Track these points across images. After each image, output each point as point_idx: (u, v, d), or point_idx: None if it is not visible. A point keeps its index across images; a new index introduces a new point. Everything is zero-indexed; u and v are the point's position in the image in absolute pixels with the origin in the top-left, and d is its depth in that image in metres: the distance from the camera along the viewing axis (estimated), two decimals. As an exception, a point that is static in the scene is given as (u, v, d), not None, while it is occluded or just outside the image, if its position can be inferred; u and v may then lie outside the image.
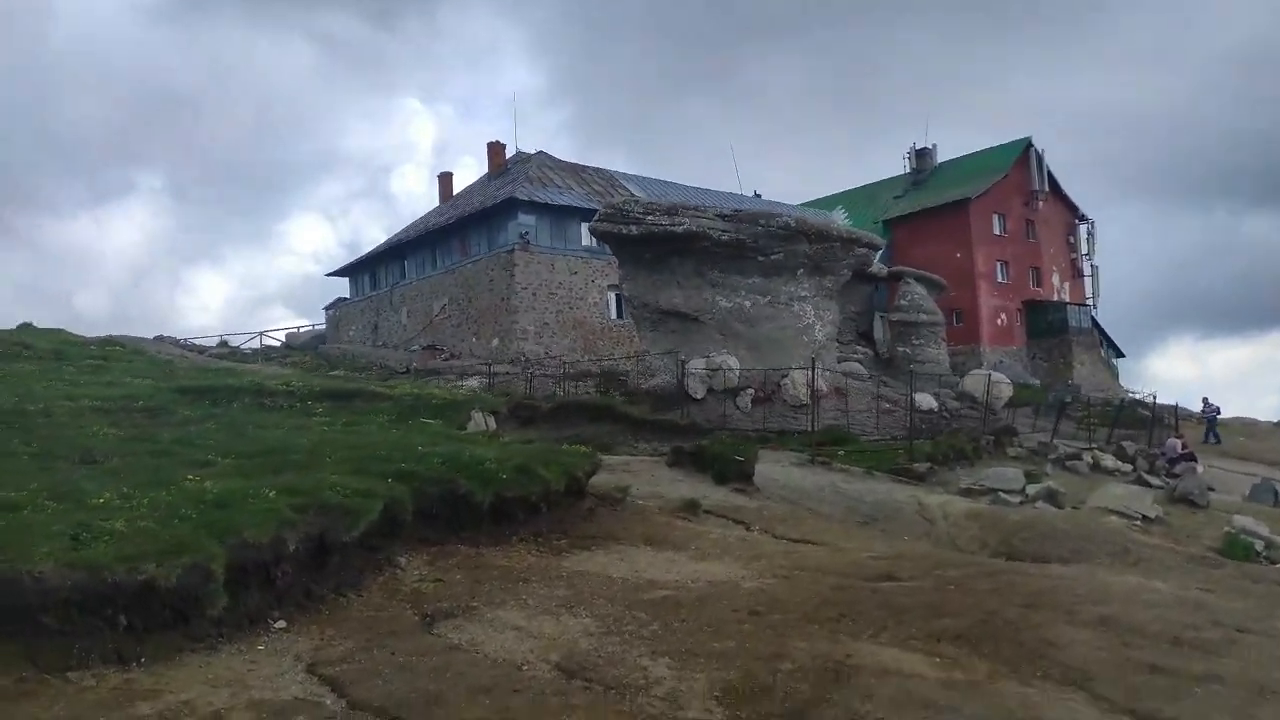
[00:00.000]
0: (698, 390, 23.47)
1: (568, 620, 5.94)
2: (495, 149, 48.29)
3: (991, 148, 59.04)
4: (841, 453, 21.00)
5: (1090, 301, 59.78)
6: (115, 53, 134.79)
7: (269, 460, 8.13)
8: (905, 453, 19.29)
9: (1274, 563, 14.14)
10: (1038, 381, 52.10)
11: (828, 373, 24.50)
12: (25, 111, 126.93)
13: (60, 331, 39.04)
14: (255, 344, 54.72)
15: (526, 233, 39.52)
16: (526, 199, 39.55)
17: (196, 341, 54.90)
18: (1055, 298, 57.69)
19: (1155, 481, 20.85)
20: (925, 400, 25.43)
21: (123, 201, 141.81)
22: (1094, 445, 24.36)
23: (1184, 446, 25.89)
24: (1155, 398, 53.94)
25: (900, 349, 29.15)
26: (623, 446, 19.17)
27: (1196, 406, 35.60)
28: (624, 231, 23.45)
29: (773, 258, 23.62)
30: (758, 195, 61.25)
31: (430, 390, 14.53)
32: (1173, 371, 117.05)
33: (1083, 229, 60.75)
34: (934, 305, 30.25)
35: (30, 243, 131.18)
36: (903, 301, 29.65)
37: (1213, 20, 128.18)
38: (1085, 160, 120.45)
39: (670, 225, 22.94)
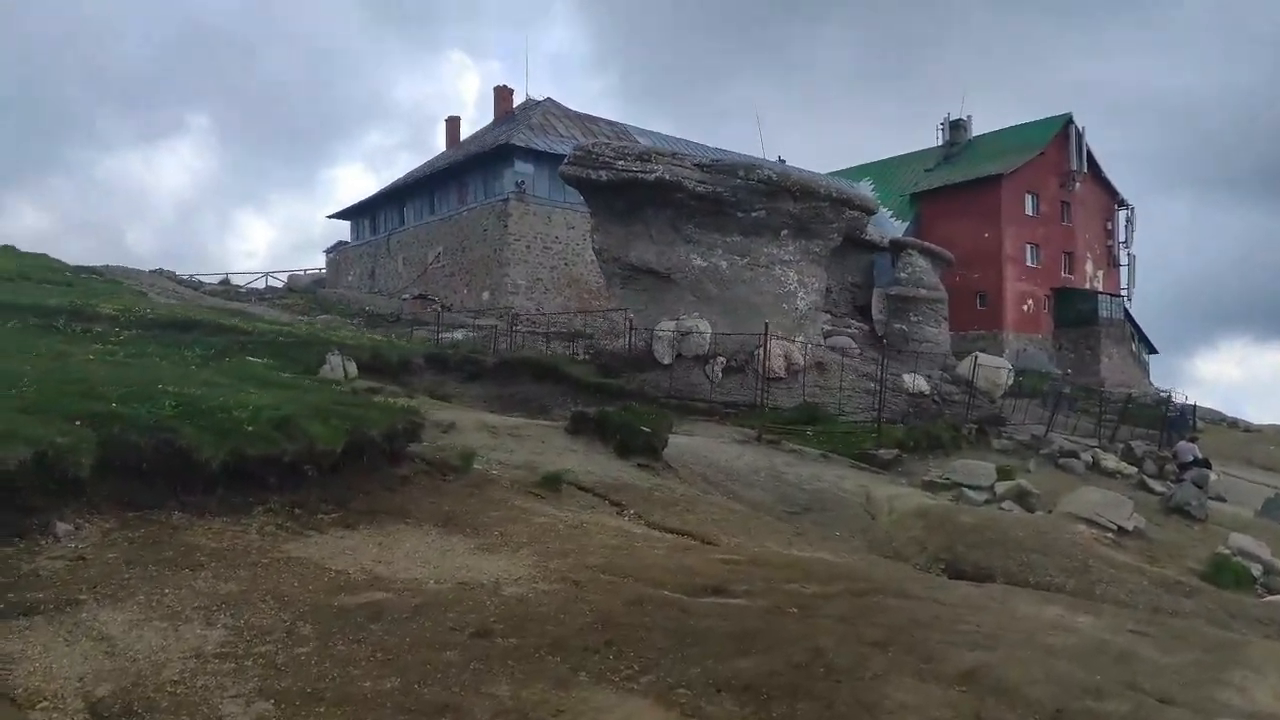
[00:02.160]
0: (665, 355, 21.66)
1: (190, 630, 4.27)
2: (503, 94, 46.34)
3: (1029, 122, 56.02)
4: (809, 432, 19.21)
5: (1125, 292, 56.81)
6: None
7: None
8: (874, 437, 17.39)
9: (1273, 591, 12.15)
10: (1060, 372, 49.68)
11: (809, 345, 22.56)
12: (80, 47, 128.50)
13: (43, 257, 38.15)
14: (261, 284, 53.89)
15: (522, 181, 37.67)
16: (524, 146, 37.63)
17: (202, 278, 54.10)
18: (1088, 286, 54.85)
19: (1159, 488, 18.80)
20: (916, 382, 23.42)
21: (172, 140, 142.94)
22: (1097, 444, 22.22)
23: (1198, 451, 23.68)
24: (1187, 398, 51.36)
25: (896, 326, 27.05)
26: (560, 410, 17.50)
27: (1233, 410, 33.15)
28: (593, 177, 21.57)
29: (753, 215, 21.63)
30: (782, 161, 58.77)
31: (298, 328, 12.77)
32: (1221, 374, 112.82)
33: (1122, 215, 57.61)
34: (936, 280, 28.02)
35: (83, 177, 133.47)
36: (902, 275, 27.47)
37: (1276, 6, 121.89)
38: (1133, 147, 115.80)
39: (641, 172, 21.02)
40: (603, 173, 21.44)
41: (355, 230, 50.21)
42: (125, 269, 47.50)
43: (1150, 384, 53.63)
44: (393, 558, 5.74)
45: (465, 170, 41.16)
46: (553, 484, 8.88)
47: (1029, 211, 53.43)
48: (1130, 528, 12.10)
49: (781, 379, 21.77)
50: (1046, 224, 53.64)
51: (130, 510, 5.82)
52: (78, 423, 5.70)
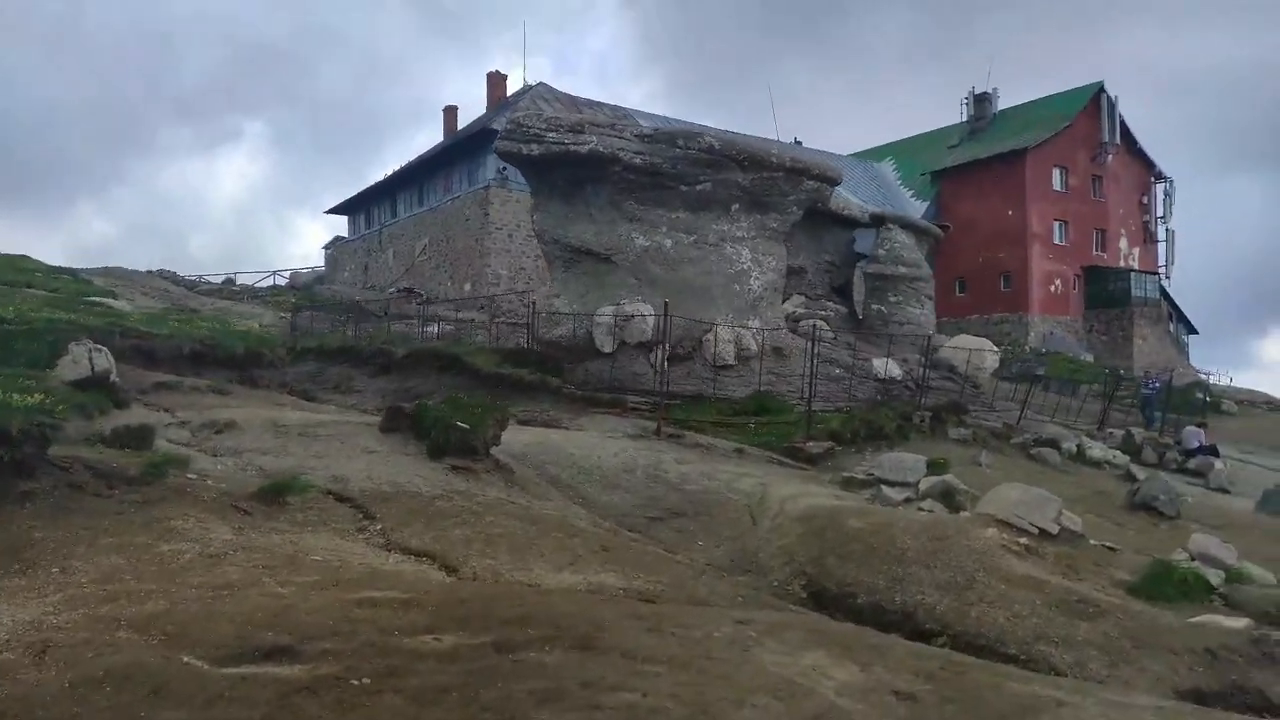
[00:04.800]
0: (605, 343, 19.97)
1: None
2: (495, 80, 44.97)
3: (1057, 94, 53.03)
4: (752, 424, 17.44)
5: (1162, 270, 53.55)
6: (224, 7, 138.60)
7: None
8: (802, 430, 15.54)
9: (1236, 604, 10.10)
10: (1090, 357, 46.88)
11: (766, 330, 20.71)
12: (140, 63, 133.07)
13: (23, 258, 37.87)
14: (268, 282, 53.44)
15: (504, 168, 36.14)
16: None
17: (211, 279, 53.90)
18: (1121, 264, 51.80)
19: (1164, 481, 16.61)
20: (888, 367, 21.43)
21: (230, 148, 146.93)
22: (1082, 429, 20.04)
23: (1206, 437, 21.38)
24: (1209, 376, 48.04)
25: (875, 307, 24.96)
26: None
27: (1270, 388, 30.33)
28: (525, 151, 19.94)
29: (699, 188, 19.82)
30: (798, 142, 56.56)
31: (42, 316, 11.46)
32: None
33: (1159, 189, 54.32)
34: (919, 257, 25.85)
35: (145, 186, 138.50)
36: (880, 251, 25.35)
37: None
38: (1181, 122, 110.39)
39: (573, 144, 19.33)
40: (534, 146, 19.81)
41: (352, 225, 49.38)
42: (121, 270, 47.41)
43: (1190, 367, 50.41)
44: None
45: (451, 160, 39.95)
46: (274, 495, 7.34)
47: (1057, 187, 50.57)
48: (1054, 530, 10.17)
49: (731, 366, 19.98)
50: (1076, 199, 50.72)
51: None
52: None
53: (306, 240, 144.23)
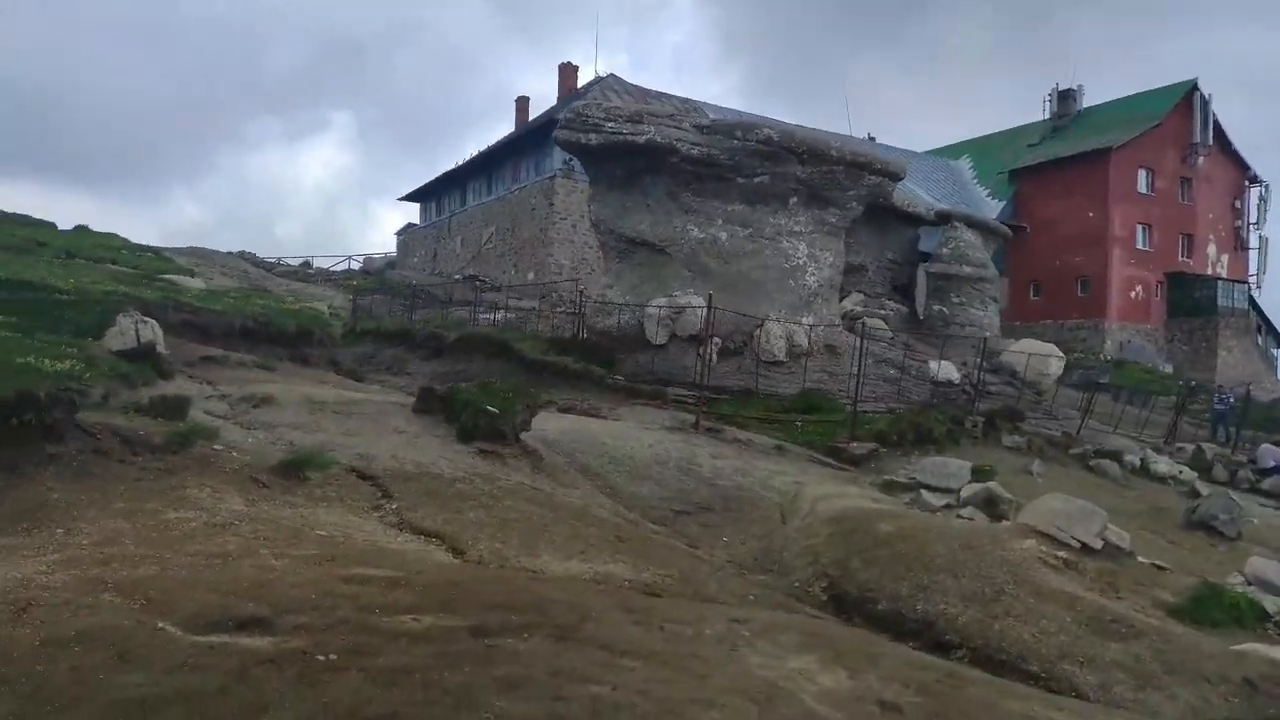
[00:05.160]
0: (657, 335, 19.92)
1: None
2: (567, 71, 45.12)
3: (1147, 91, 50.91)
4: (799, 423, 17.18)
5: (1253, 279, 51.10)
6: (310, 2, 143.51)
7: None
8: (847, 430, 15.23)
9: (1292, 633, 9.56)
10: (1170, 367, 45.05)
11: (820, 327, 20.38)
12: (229, 57, 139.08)
13: (111, 236, 39.40)
14: (343, 266, 54.83)
15: (570, 159, 36.32)
16: (570, 121, 36.26)
17: (289, 261, 55.59)
18: (1208, 271, 49.55)
19: (1227, 499, 15.86)
20: (946, 370, 20.88)
21: (315, 139, 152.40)
22: (1150, 442, 19.23)
23: (1284, 456, 20.30)
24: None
25: (936, 307, 24.28)
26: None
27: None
28: (584, 141, 19.97)
29: (756, 181, 19.57)
30: (871, 139, 55.52)
31: (100, 288, 11.66)
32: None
33: (1254, 192, 51.78)
34: (985, 257, 25.02)
35: (234, 176, 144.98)
36: (944, 250, 24.62)
37: None
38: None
39: (632, 134, 19.29)
40: (592, 136, 19.82)
41: (423, 213, 50.20)
42: (204, 250, 49.17)
43: (1277, 381, 48.08)
44: None
45: (519, 150, 40.28)
46: (295, 469, 7.45)
47: (1142, 189, 48.56)
48: (1097, 545, 9.73)
49: (782, 362, 19.72)
50: (1162, 203, 48.63)
51: None
52: None
53: (385, 228, 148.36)
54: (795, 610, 7.59)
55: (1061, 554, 9.36)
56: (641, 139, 19.24)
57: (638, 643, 4.88)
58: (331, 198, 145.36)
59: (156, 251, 37.06)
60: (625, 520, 9.10)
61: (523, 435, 10.13)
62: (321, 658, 4.11)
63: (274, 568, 5.19)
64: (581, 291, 20.18)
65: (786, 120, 41.13)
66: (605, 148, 19.86)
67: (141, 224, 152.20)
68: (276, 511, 6.50)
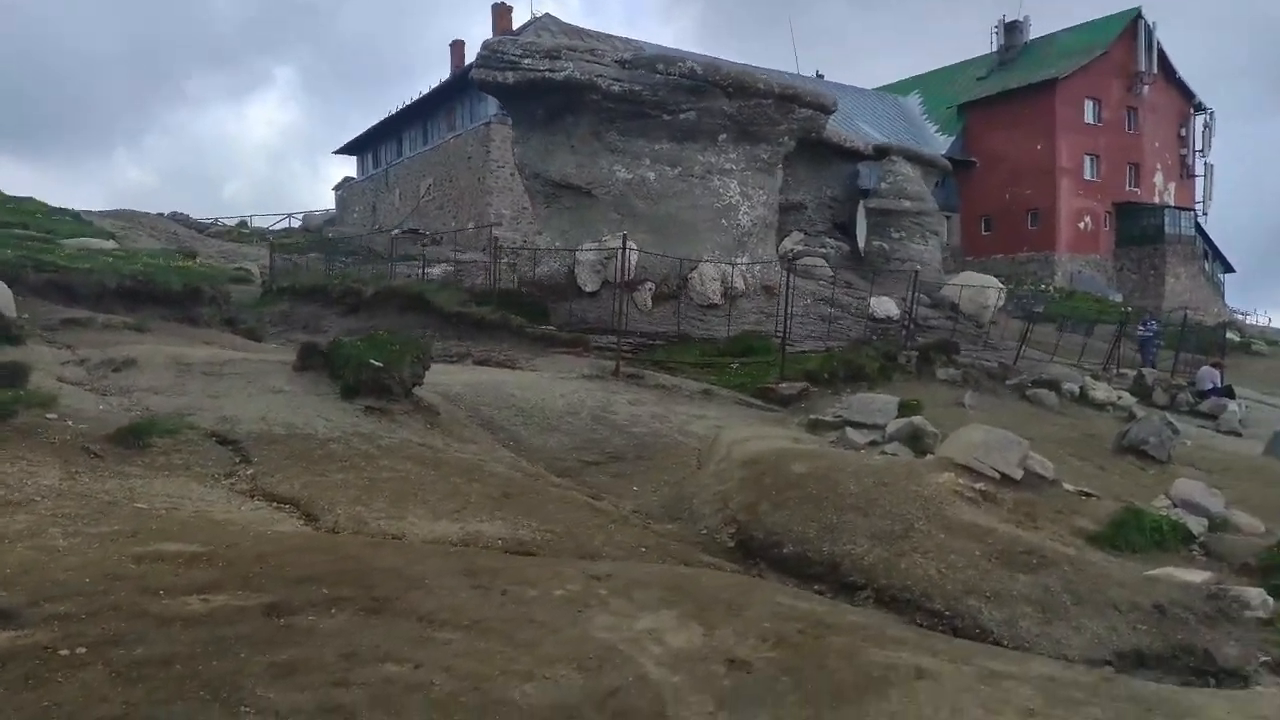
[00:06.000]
0: (589, 282, 19.28)
1: None
2: (501, 12, 43.48)
3: (1092, 21, 50.43)
4: (734, 365, 16.73)
5: (1199, 206, 51.33)
6: None
7: None
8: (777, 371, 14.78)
9: (1216, 555, 9.32)
10: (1120, 296, 45.30)
11: (756, 266, 19.85)
12: (170, 10, 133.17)
13: (30, 200, 37.62)
14: (284, 224, 53.17)
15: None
16: (502, 65, 35.00)
17: (224, 221, 53.82)
18: (1156, 200, 49.68)
19: (1156, 422, 15.69)
20: (885, 306, 20.52)
21: (260, 93, 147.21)
22: (1091, 370, 19.07)
23: (1221, 378, 20.33)
24: (1246, 317, 46.24)
25: (876, 243, 23.83)
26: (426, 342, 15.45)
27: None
28: (501, 79, 19.04)
29: (682, 117, 18.82)
30: (820, 76, 54.60)
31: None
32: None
33: (1198, 121, 51.82)
34: (924, 190, 24.56)
35: (178, 135, 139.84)
36: (883, 185, 24.09)
37: None
38: (1226, 56, 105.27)
39: (549, 70, 18.39)
40: (509, 74, 18.90)
41: (360, 165, 48.70)
42: (132, 212, 47.30)
43: (1224, 306, 48.65)
44: None
45: (454, 96, 38.98)
46: (136, 437, 6.79)
47: (1089, 119, 48.38)
48: (1018, 475, 9.40)
49: (718, 306, 19.20)
50: (1109, 133, 48.51)
51: None
52: None
53: (331, 183, 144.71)
54: (692, 560, 7.14)
55: (980, 486, 9.00)
56: (560, 76, 18.38)
57: (465, 611, 4.35)
58: (277, 154, 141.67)
59: (76, 215, 35.40)
60: (523, 475, 8.56)
61: (416, 390, 9.52)
62: (66, 652, 3.53)
63: (56, 549, 4.57)
64: (495, 239, 19.39)
65: (738, 63, 40.22)
66: (523, 86, 18.97)
67: (78, 190, 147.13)
68: (98, 485, 5.86)
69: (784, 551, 7.84)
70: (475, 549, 5.89)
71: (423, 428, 9.07)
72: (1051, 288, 42.46)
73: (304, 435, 7.88)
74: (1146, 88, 49.23)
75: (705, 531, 8.50)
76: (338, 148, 50.02)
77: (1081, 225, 48.29)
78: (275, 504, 6.43)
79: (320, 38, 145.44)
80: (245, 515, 5.94)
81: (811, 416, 12.53)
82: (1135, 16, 48.66)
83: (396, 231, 40.14)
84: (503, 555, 5.73)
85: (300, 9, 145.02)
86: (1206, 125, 51.79)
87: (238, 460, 7.21)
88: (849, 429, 11.78)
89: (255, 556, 4.71)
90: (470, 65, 42.16)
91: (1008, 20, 54.07)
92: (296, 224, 54.30)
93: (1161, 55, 49.17)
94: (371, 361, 9.00)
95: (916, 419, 11.58)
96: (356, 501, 6.62)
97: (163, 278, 12.47)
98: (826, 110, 20.28)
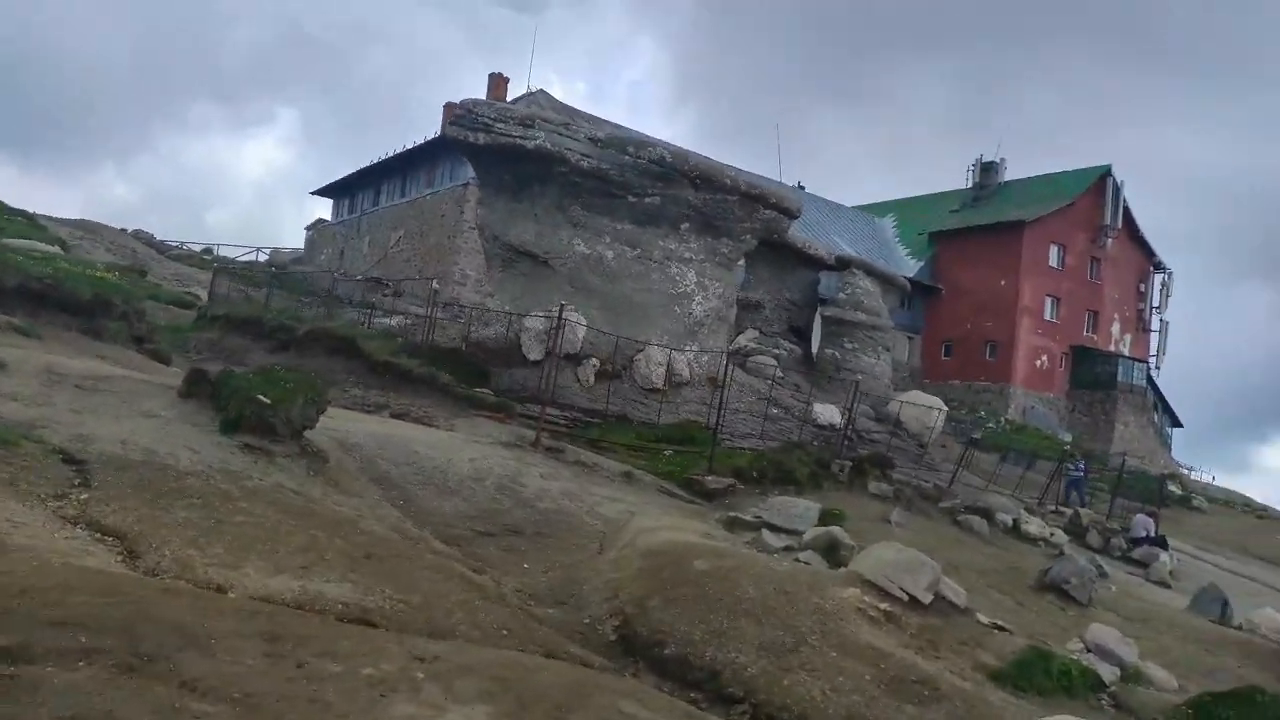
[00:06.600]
0: (533, 350, 18.84)
1: None
2: (497, 81, 44.01)
3: (1064, 171, 52.23)
4: (670, 452, 16.25)
5: (1152, 359, 52.42)
6: None
7: None
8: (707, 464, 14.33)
9: (1125, 708, 8.85)
10: (1069, 436, 45.65)
11: (702, 355, 19.56)
12: (183, 39, 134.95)
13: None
14: (252, 257, 52.41)
15: (485, 168, 35.29)
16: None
17: (190, 245, 53.02)
18: (1112, 348, 50.66)
19: (1081, 563, 15.35)
20: (828, 413, 20.25)
21: (261, 130, 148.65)
22: (1027, 503, 18.81)
23: (1156, 528, 20.16)
24: (1190, 472, 46.72)
25: (829, 351, 23.78)
26: (347, 389, 14.86)
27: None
28: (473, 140, 18.91)
29: (648, 201, 18.75)
30: (801, 187, 55.72)
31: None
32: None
33: (1157, 279, 53.36)
34: (881, 306, 24.70)
35: (171, 159, 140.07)
36: (841, 295, 24.22)
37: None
38: (1193, 222, 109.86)
39: (521, 137, 18.31)
40: (481, 135, 18.78)
41: (336, 209, 48.46)
42: (94, 224, 46.54)
43: (1170, 458, 49.23)
44: None
45: (437, 153, 39.01)
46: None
47: (1053, 263, 49.59)
48: (926, 599, 8.94)
49: (661, 390, 18.81)
50: (1071, 278, 49.71)
51: None
52: None
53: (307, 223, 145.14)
54: (557, 651, 6.53)
55: (885, 606, 8.51)
56: (531, 144, 18.30)
57: (239, 681, 3.75)
58: (268, 191, 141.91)
59: (31, 218, 34.56)
60: (401, 537, 7.93)
61: (306, 433, 8.91)
62: None
63: None
64: (435, 290, 19.00)
65: (709, 157, 40.81)
66: (494, 149, 18.85)
67: (60, 198, 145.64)
68: None
69: (665, 652, 7.27)
70: (302, 611, 5.27)
71: (303, 474, 8.44)
72: (1004, 419, 42.72)
73: (161, 465, 7.24)
74: (1110, 240, 50.72)
75: (588, 620, 7.90)
76: (315, 189, 49.83)
77: (1038, 363, 48.99)
78: (98, 535, 5.79)
79: (330, 83, 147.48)
80: (54, 543, 5.29)
81: (731, 514, 12.03)
82: (1105, 173, 50.44)
83: (360, 278, 39.70)
84: (328, 622, 5.12)
85: (315, 54, 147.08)
86: (1164, 284, 53.30)
87: (77, 482, 6.56)
88: (766, 531, 11.29)
89: (20, 590, 4.08)
90: (458, 127, 42.69)
91: (984, 160, 55.81)
92: (264, 258, 53.70)
93: (1127, 212, 50.82)
94: (259, 397, 8.41)
95: (836, 529, 11.13)
96: (191, 544, 5.98)
97: (71, 284, 11.82)
98: (791, 214, 20.37)
